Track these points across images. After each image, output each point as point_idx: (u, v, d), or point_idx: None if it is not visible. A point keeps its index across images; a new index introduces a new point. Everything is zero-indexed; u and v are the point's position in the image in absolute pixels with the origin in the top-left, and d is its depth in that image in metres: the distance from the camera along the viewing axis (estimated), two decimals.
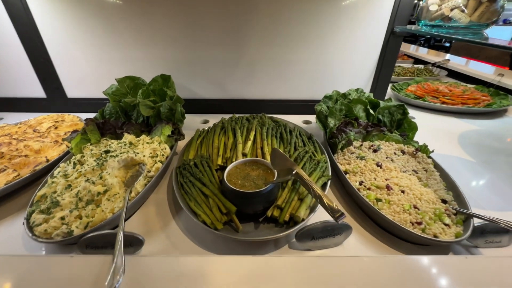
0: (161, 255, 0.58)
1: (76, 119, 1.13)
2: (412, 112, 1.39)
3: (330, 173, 0.77)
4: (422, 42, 5.01)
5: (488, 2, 0.86)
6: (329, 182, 0.74)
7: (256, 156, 0.82)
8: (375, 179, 0.73)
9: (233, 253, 0.60)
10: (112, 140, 0.88)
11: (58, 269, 0.48)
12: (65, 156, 0.86)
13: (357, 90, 1.11)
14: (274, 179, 0.64)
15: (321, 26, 1.13)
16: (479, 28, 0.91)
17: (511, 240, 0.60)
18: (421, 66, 2.14)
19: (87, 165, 0.75)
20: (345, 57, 1.21)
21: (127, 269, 0.45)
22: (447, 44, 4.45)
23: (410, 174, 0.76)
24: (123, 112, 1.00)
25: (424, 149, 0.85)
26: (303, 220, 0.61)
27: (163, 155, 0.84)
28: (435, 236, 0.57)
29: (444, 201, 0.66)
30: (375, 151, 0.85)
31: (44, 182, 0.72)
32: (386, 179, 0.73)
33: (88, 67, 1.21)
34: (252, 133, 0.90)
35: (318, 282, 0.48)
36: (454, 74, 2.06)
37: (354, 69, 1.24)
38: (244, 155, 0.82)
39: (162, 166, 0.79)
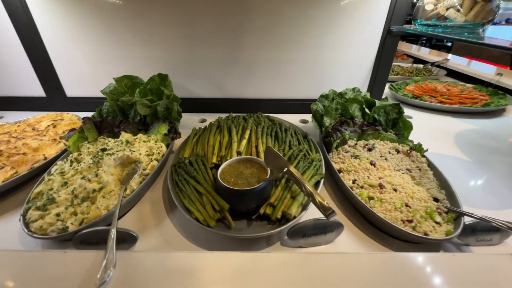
0: (152, 250, 0.59)
1: (75, 118, 1.14)
2: (409, 112, 1.39)
3: (323, 172, 0.77)
4: (424, 41, 4.98)
5: (483, 1, 0.86)
6: (322, 181, 0.74)
7: (251, 155, 0.83)
8: (368, 177, 0.74)
9: (226, 250, 0.60)
10: (109, 139, 0.89)
11: (50, 264, 0.49)
12: (63, 154, 0.87)
13: (353, 89, 1.11)
14: (267, 177, 0.65)
15: (318, 25, 1.13)
16: (475, 27, 0.91)
17: (502, 238, 0.61)
18: (420, 66, 2.14)
19: (84, 163, 0.76)
20: (342, 57, 1.21)
21: (118, 264, 0.46)
22: (449, 44, 4.42)
23: (403, 173, 0.76)
24: (121, 111, 1.02)
25: (418, 148, 0.86)
26: (294, 217, 0.61)
27: (159, 153, 0.85)
28: (425, 234, 0.57)
29: (436, 200, 0.66)
30: (369, 150, 0.85)
31: (41, 179, 0.73)
32: (379, 178, 0.73)
33: (87, 66, 1.22)
34: (247, 132, 0.91)
35: (306, 278, 0.48)
36: (453, 73, 2.06)
37: (351, 68, 1.25)
38: (239, 153, 0.82)
39: (158, 164, 0.80)
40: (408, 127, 0.94)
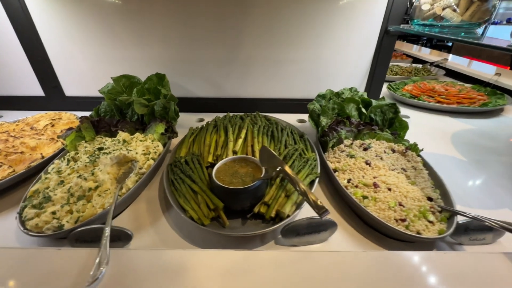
0: (145, 248, 0.59)
1: (73, 117, 1.15)
2: (407, 112, 1.39)
3: (318, 171, 0.78)
4: (425, 41, 4.97)
5: (479, 1, 0.86)
6: (317, 180, 0.75)
7: (247, 154, 0.83)
8: (363, 177, 0.74)
9: (220, 248, 0.61)
10: (107, 138, 0.89)
11: (44, 261, 0.49)
12: (60, 153, 0.88)
13: (350, 89, 1.12)
14: (261, 176, 0.65)
15: (316, 25, 1.14)
16: (471, 27, 0.91)
17: (495, 238, 0.61)
18: (419, 66, 2.14)
19: (80, 161, 0.76)
20: (339, 57, 1.22)
21: (112, 261, 0.47)
22: (450, 44, 4.41)
23: (398, 172, 0.76)
24: (118, 110, 1.02)
25: (414, 147, 0.86)
26: (288, 216, 0.62)
27: (155, 152, 0.85)
28: (418, 233, 0.58)
29: (430, 199, 0.66)
30: (365, 149, 0.85)
31: (38, 178, 0.74)
32: (374, 177, 0.73)
33: (86, 66, 1.23)
34: (244, 131, 0.91)
35: (300, 276, 0.49)
36: (452, 73, 2.06)
37: (349, 68, 1.25)
38: (235, 152, 0.83)
39: (154, 163, 0.81)
40: (404, 126, 0.94)
